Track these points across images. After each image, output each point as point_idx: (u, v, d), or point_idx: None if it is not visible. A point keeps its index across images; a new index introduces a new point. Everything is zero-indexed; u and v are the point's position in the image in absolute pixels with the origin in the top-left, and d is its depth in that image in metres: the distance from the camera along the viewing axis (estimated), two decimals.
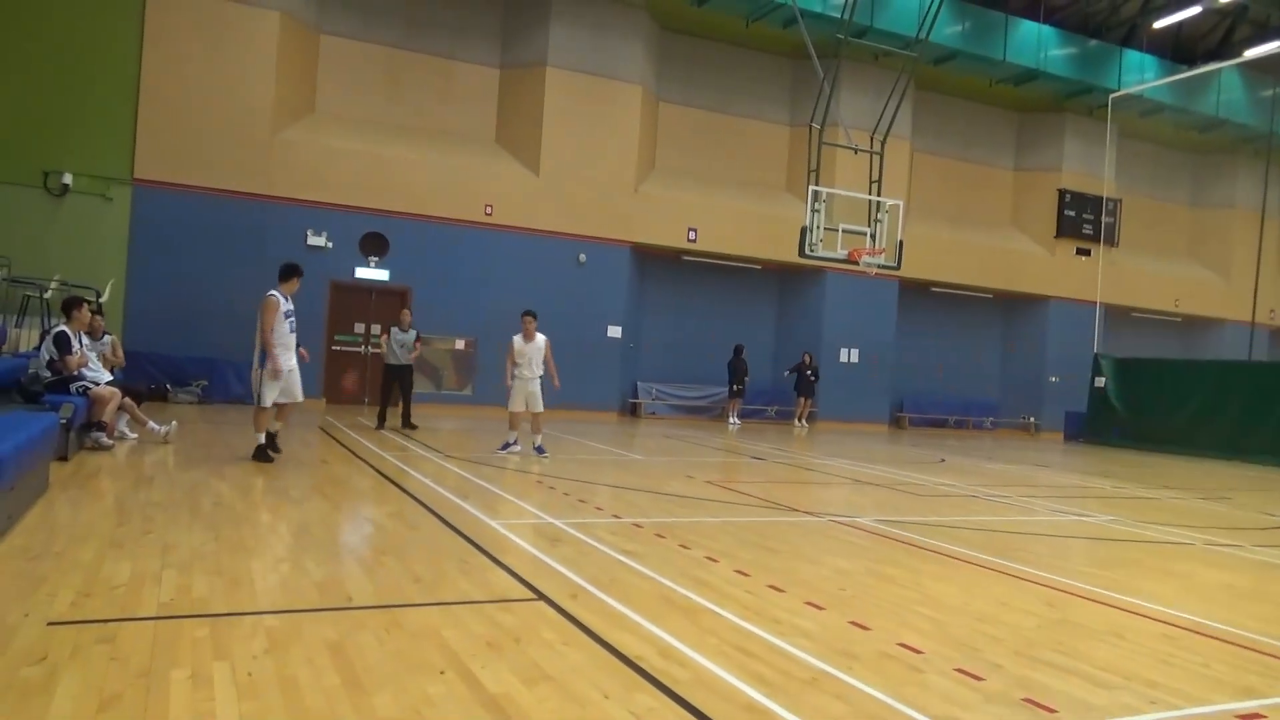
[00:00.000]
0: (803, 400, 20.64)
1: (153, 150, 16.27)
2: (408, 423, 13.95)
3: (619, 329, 19.87)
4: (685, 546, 6.33)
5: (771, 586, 5.30)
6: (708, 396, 21.57)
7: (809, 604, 4.96)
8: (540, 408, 11.37)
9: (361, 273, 17.94)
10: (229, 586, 4.56)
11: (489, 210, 18.67)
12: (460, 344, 18.65)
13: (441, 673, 3.51)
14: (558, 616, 4.38)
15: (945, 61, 21.92)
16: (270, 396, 9.02)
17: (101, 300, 14.33)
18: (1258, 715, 3.68)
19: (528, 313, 11.66)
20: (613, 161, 19.67)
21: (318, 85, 18.31)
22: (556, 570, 5.33)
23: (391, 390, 14.06)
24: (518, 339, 11.49)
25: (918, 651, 4.21)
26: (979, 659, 4.18)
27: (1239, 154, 27.18)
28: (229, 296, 16.66)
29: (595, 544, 6.20)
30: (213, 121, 16.58)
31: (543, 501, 7.93)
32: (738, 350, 20.35)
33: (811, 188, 17.37)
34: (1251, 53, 23.01)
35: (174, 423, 10.60)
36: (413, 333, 14.18)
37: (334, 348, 17.85)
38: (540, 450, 11.35)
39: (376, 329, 17.97)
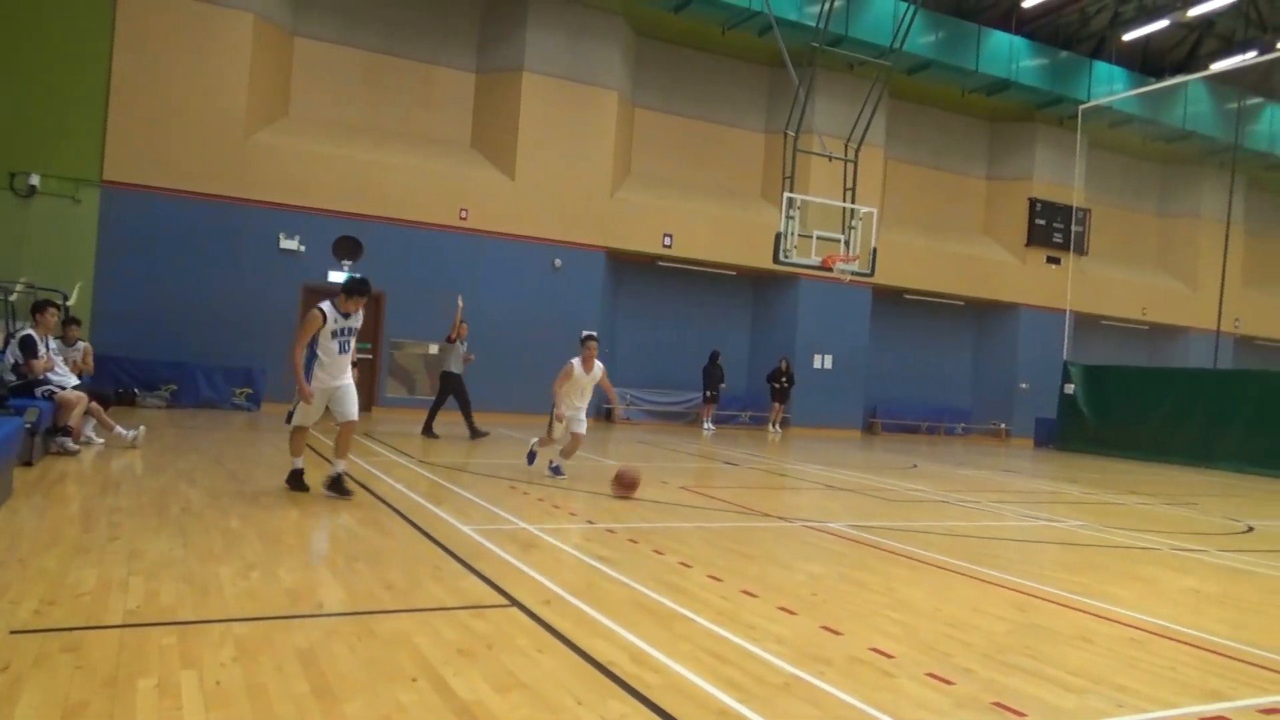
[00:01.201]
0: (776, 406, 20.73)
1: (123, 152, 16.07)
2: (475, 431, 14.18)
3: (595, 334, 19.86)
4: (659, 552, 6.33)
5: (745, 592, 5.31)
6: (682, 402, 21.60)
7: (782, 609, 4.98)
8: (584, 430, 10.16)
9: (335, 277, 17.81)
10: (197, 594, 4.50)
11: (464, 215, 18.62)
12: (435, 349, 18.56)
13: (413, 680, 3.49)
14: (531, 623, 4.37)
15: (919, 71, 22.15)
16: (301, 417, 7.83)
17: (69, 303, 14.13)
18: (1223, 718, 3.74)
19: (592, 336, 10.22)
20: (589, 167, 19.68)
21: (292, 88, 18.18)
22: (530, 576, 5.31)
23: (445, 399, 14.14)
24: (577, 365, 9.90)
25: (889, 656, 4.24)
26: (950, 663, 4.21)
27: (1205, 165, 27.65)
28: (200, 300, 16.50)
29: (569, 550, 6.18)
30: (184, 123, 16.41)
31: (516, 507, 7.91)
32: (713, 356, 20.42)
33: (786, 195, 17.48)
34: (1217, 66, 23.43)
35: (141, 427, 10.46)
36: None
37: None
38: (558, 471, 10.09)
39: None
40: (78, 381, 10.12)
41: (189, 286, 16.38)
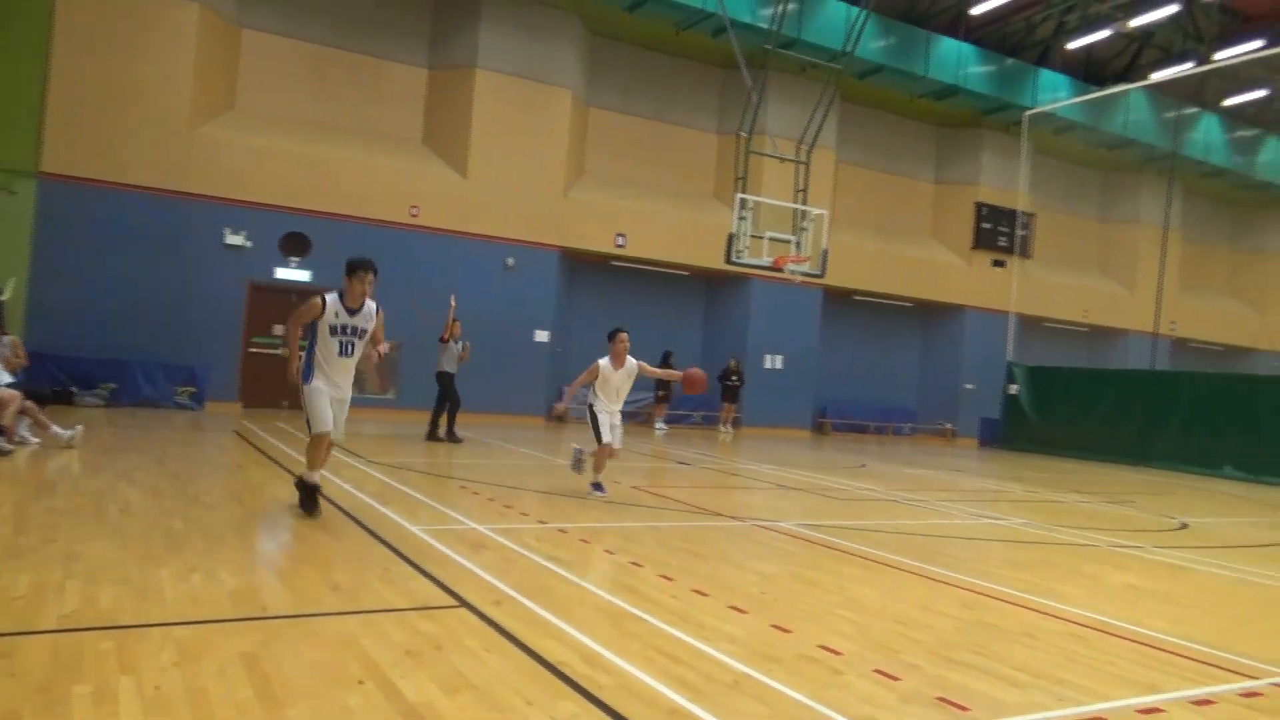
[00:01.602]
0: (728, 405, 20.84)
1: (62, 143, 15.61)
2: (453, 435, 13.83)
3: (546, 333, 19.79)
4: (611, 552, 6.32)
5: (696, 591, 5.33)
6: (635, 402, 21.61)
7: (732, 608, 5.00)
8: (620, 444, 9.25)
9: (282, 273, 17.50)
10: (137, 597, 4.39)
11: (416, 212, 18.42)
12: (384, 347, 18.32)
13: (360, 683, 3.43)
14: (481, 624, 4.33)
15: (870, 75, 22.43)
16: (317, 419, 6.62)
17: (3, 298, 13.68)
18: (1158, 709, 3.84)
19: (622, 330, 9.24)
20: (542, 166, 19.60)
21: (239, 81, 17.82)
22: (480, 577, 5.26)
23: (445, 400, 13.91)
24: (605, 364, 9.05)
25: (838, 654, 4.28)
26: (897, 660, 4.26)
27: (1144, 172, 28.42)
28: (141, 296, 16.09)
29: (520, 550, 6.15)
30: (127, 115, 15.99)
31: (467, 507, 7.84)
32: (665, 356, 20.45)
33: (739, 195, 17.59)
34: (1157, 76, 24.10)
35: (79, 427, 10.17)
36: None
37: (251, 350, 17.35)
38: (599, 487, 9.13)
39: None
40: (12, 379, 9.81)
41: (129, 282, 15.96)
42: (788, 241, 17.85)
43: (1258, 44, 22.86)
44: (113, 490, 7.41)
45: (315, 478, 6.73)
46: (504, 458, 12.37)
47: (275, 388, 17.51)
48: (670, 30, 20.65)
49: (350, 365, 6.79)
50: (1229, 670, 4.53)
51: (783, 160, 19.55)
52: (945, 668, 4.20)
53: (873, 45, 21.49)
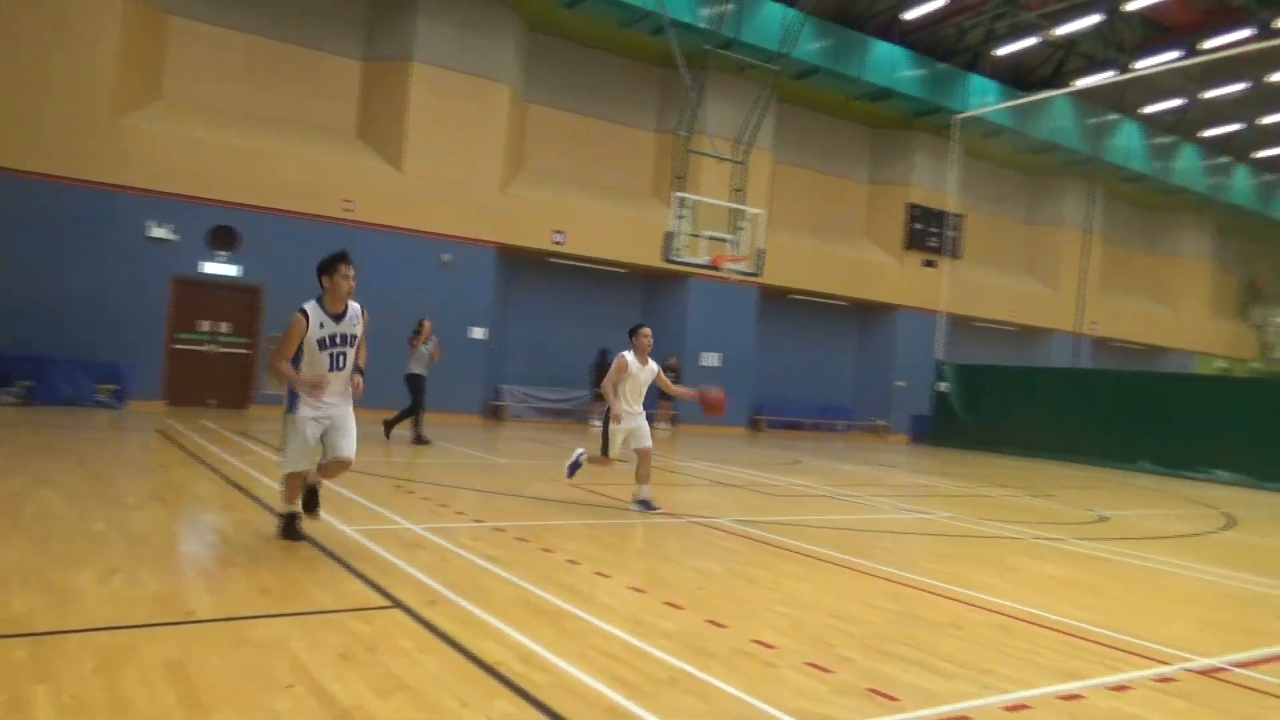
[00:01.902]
0: (665, 403, 20.92)
1: None
2: (419, 438, 13.48)
3: (482, 330, 19.62)
4: (548, 550, 6.31)
5: (632, 588, 5.35)
6: (572, 399, 21.57)
7: (669, 604, 5.03)
8: (650, 442, 8.58)
9: (209, 268, 17.03)
10: (54, 602, 4.23)
11: (349, 206, 18.09)
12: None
13: (289, 687, 3.37)
14: (415, 625, 4.28)
15: (806, 76, 22.70)
16: (295, 458, 5.85)
17: None
18: (1078, 696, 3.98)
19: (644, 325, 8.86)
20: (479, 161, 19.41)
21: (166, 70, 17.27)
22: (415, 577, 5.20)
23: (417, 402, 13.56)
24: (632, 359, 8.55)
25: (772, 647, 4.34)
26: (830, 653, 4.34)
27: (1068, 176, 29.32)
28: (60, 289, 15.50)
29: (456, 549, 6.09)
30: (46, 102, 15.37)
31: (402, 507, 7.74)
32: (602, 353, 20.45)
33: (677, 194, 17.67)
34: (1080, 83, 24.88)
35: None
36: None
37: (176, 346, 16.85)
38: (648, 504, 8.38)
39: (225, 327, 17.18)
40: None
41: (48, 275, 15.35)
42: (725, 240, 17.99)
43: (1175, 54, 23.76)
44: (29, 492, 7.13)
45: (297, 505, 6.05)
46: (440, 456, 12.24)
47: (202, 385, 17.05)
48: (609, 28, 20.63)
49: (343, 380, 5.94)
50: (1144, 656, 4.71)
51: (721, 160, 19.70)
52: (876, 659, 4.29)
53: (809, 47, 21.75)
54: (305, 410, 5.80)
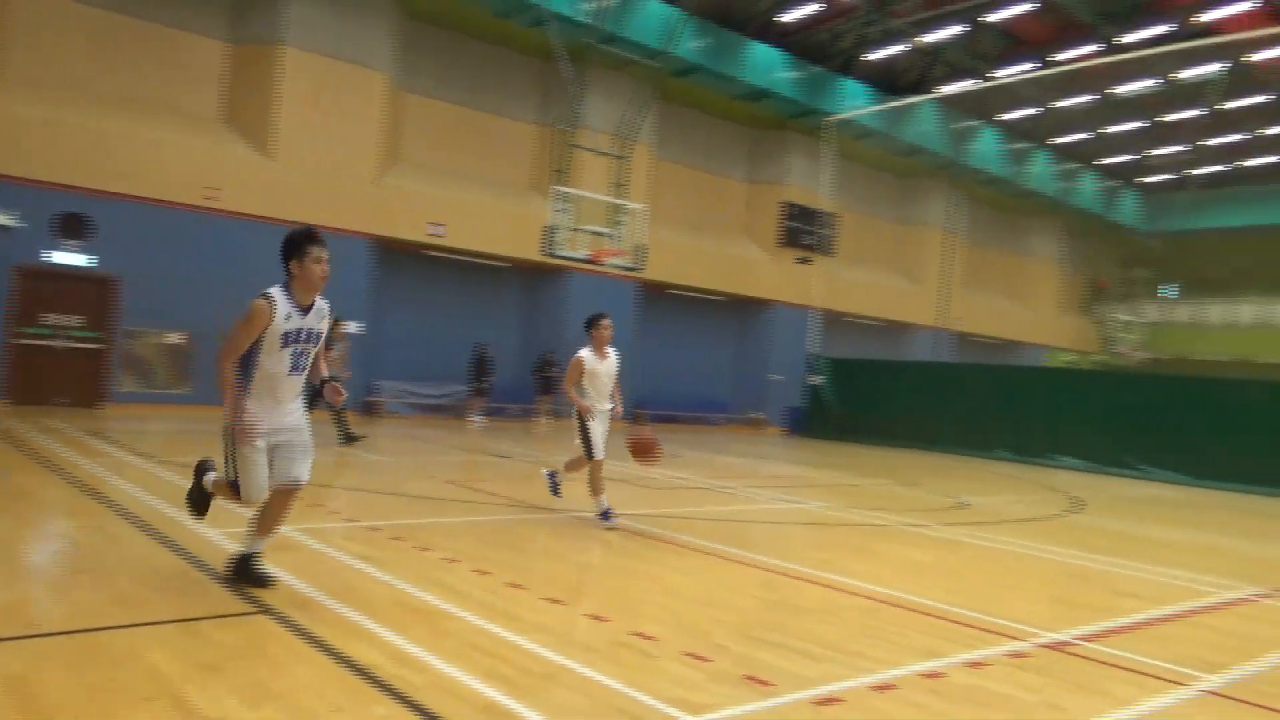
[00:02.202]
0: (545, 397, 20.84)
1: None
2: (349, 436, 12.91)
3: (357, 325, 19.05)
4: (425, 549, 6.19)
5: (512, 584, 5.31)
6: (450, 395, 21.22)
7: (549, 599, 5.02)
8: (602, 454, 7.81)
9: (57, 257, 15.92)
10: None
11: (214, 195, 17.23)
12: (176, 338, 17.08)
13: (148, 700, 3.20)
14: (284, 630, 4.13)
15: (687, 75, 22.97)
16: (249, 486, 4.64)
17: None
18: (939, 674, 4.19)
19: (604, 315, 8.26)
20: (353, 150, 18.82)
21: (6, 44, 16.02)
22: (284, 581, 5.01)
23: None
24: (588, 355, 7.94)
25: (652, 639, 4.39)
26: (707, 642, 4.42)
27: (933, 178, 30.73)
28: None
29: (328, 550, 5.91)
30: None
31: None
32: (480, 348, 20.21)
33: (557, 188, 17.60)
34: (945, 90, 26.06)
35: None
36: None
37: (19, 341, 15.68)
38: (610, 515, 7.63)
39: (76, 320, 16.10)
40: None
41: None
42: (606, 235, 18.05)
43: (1029, 65, 25.18)
44: None
45: (258, 545, 4.90)
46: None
47: (49, 383, 15.93)
48: (488, 18, 20.33)
49: (301, 384, 4.87)
50: (999, 634, 4.99)
51: (602, 155, 19.73)
52: (751, 646, 4.40)
53: (690, 45, 22.01)
54: (259, 423, 4.60)
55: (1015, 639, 4.92)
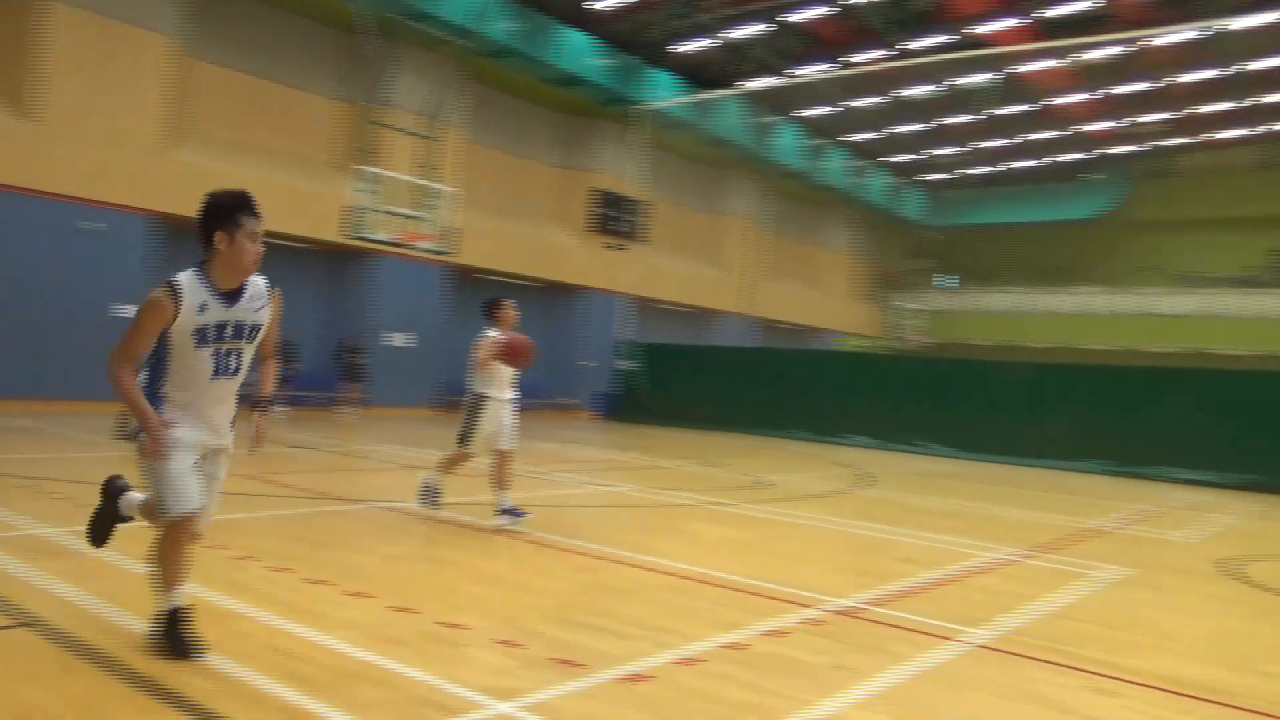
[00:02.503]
0: (350, 385, 20.02)
1: None
2: None
3: (132, 308, 17.57)
4: (218, 547, 5.80)
5: (313, 580, 5.08)
6: (246, 384, 19.97)
7: (354, 594, 4.84)
8: (515, 443, 7.52)
9: None
10: None
11: None
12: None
13: None
14: (50, 645, 3.76)
15: (499, 57, 22.62)
16: (181, 496, 3.66)
17: None
18: (741, 645, 4.37)
19: (506, 298, 7.66)
20: (131, 119, 17.25)
21: None
22: (51, 591, 4.56)
23: None
24: (499, 338, 7.17)
25: (463, 628, 4.33)
26: (519, 628, 4.41)
27: (739, 170, 31.91)
28: None
29: (104, 555, 5.42)
30: None
31: (37, 509, 6.75)
32: (280, 334, 19.14)
33: (363, 168, 16.91)
34: (750, 85, 27.06)
35: None
36: None
37: None
38: (517, 512, 7.10)
39: None
40: None
41: None
42: (416, 219, 17.53)
43: (826, 66, 26.59)
44: None
45: (179, 598, 3.73)
46: (79, 449, 10.82)
47: None
48: None
49: (233, 390, 3.96)
50: (797, 603, 5.28)
51: (410, 135, 19.11)
52: (564, 630, 4.42)
53: (502, 27, 21.68)
54: (181, 430, 3.71)
55: (811, 607, 5.21)
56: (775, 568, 6.38)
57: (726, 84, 26.92)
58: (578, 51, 23.92)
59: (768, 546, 7.34)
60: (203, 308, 3.70)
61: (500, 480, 7.24)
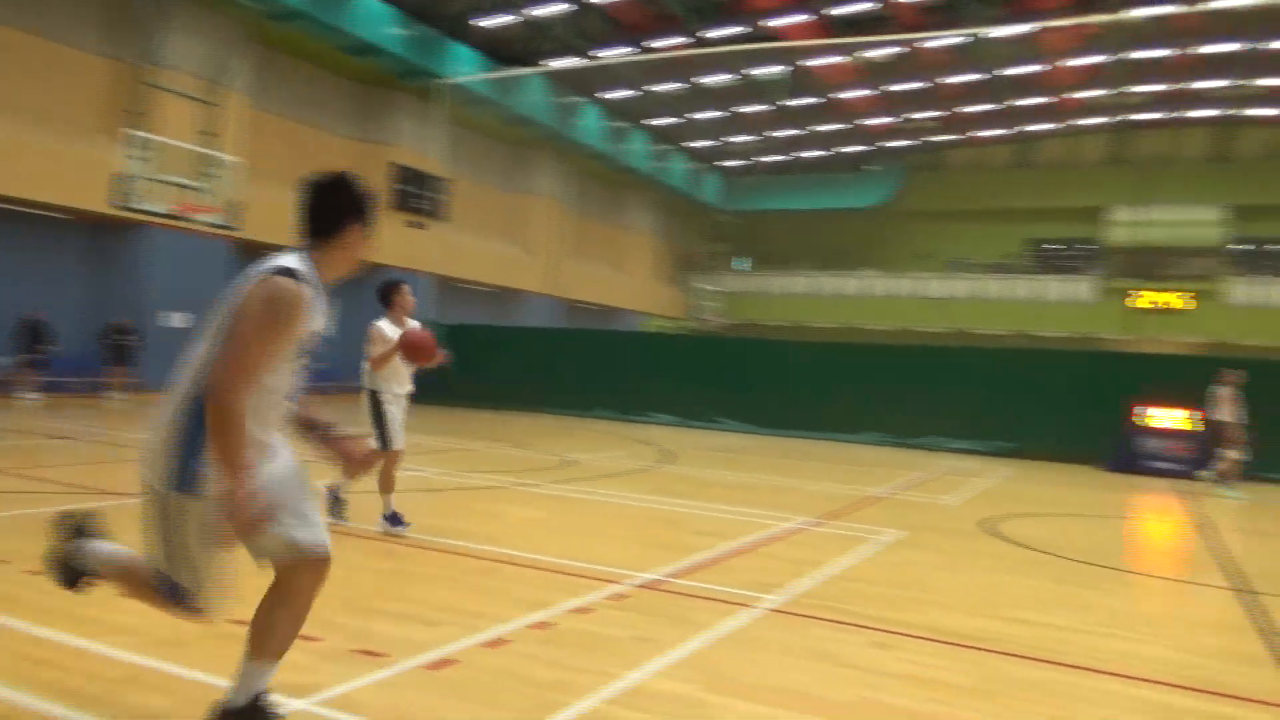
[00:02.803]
0: (118, 369, 18.33)
1: None
2: None
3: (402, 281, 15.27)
4: None
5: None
6: None
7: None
8: (403, 442, 6.91)
9: None
10: None
11: None
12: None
13: None
14: None
15: (288, 20, 21.26)
16: (316, 533, 3.18)
17: None
18: (548, 623, 4.40)
19: (403, 282, 7.12)
20: None
21: None
22: None
23: None
24: (387, 326, 6.76)
25: None
26: (315, 620, 4.18)
27: (543, 150, 31.74)
28: None
29: None
30: None
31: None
32: (33, 313, 17.24)
33: (133, 132, 15.47)
34: (553, 64, 26.94)
35: None
36: None
37: None
38: (400, 520, 6.53)
39: None
40: None
41: None
42: (195, 189, 16.25)
43: (628, 49, 26.90)
44: None
45: (260, 685, 3.12)
46: None
47: None
48: None
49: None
50: (602, 580, 5.37)
51: (188, 99, 17.65)
52: (366, 619, 4.28)
53: None
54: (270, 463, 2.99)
55: (615, 582, 5.32)
56: (581, 546, 6.45)
57: (529, 62, 26.66)
58: (374, 19, 22.91)
59: (573, 525, 7.41)
60: (318, 308, 2.93)
61: (385, 483, 6.70)
